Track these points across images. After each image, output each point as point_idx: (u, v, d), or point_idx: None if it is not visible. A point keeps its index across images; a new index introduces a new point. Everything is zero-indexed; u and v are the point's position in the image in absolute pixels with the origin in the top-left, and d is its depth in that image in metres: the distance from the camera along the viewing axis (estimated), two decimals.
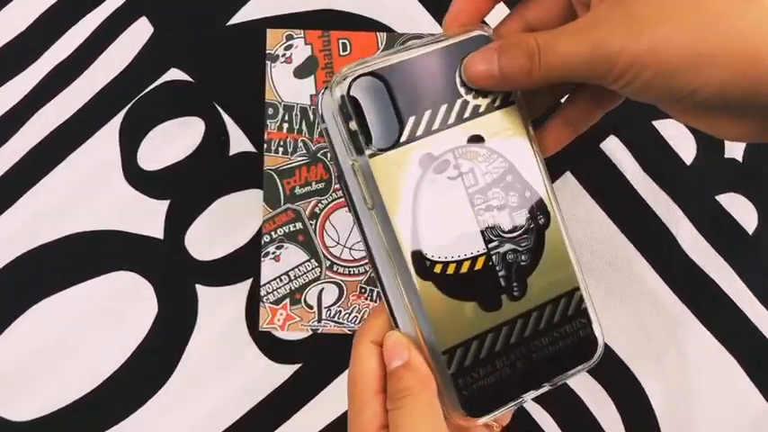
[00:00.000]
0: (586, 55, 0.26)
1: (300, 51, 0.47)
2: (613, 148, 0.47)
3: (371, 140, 0.28)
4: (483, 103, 0.30)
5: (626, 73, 0.26)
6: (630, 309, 0.47)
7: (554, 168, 0.47)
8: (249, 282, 0.47)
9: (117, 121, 0.47)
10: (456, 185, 0.30)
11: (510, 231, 0.30)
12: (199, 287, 0.47)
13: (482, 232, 0.30)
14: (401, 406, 0.28)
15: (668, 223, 0.47)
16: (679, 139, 0.47)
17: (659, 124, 0.47)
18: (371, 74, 0.29)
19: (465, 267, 0.30)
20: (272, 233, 0.47)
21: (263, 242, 0.47)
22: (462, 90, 0.30)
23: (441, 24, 0.33)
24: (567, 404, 0.46)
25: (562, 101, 0.35)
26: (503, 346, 0.30)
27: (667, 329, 0.46)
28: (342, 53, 0.47)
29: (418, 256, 0.29)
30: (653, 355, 0.46)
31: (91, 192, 0.47)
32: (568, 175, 0.47)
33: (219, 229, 0.47)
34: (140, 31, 0.48)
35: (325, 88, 0.29)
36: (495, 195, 0.30)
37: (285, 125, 0.47)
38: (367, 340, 0.30)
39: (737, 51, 0.25)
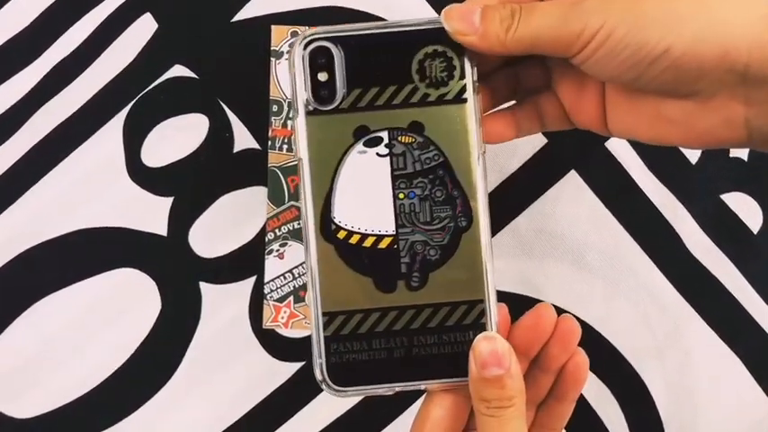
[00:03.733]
0: (560, 15, 0.27)
1: None
2: (618, 146, 0.47)
3: (312, 99, 0.30)
4: (434, 93, 0.30)
5: (599, 32, 0.27)
6: (634, 307, 0.46)
7: (559, 166, 0.47)
8: (253, 279, 0.47)
9: (121, 117, 0.47)
10: (382, 163, 0.30)
11: (426, 223, 0.30)
12: (202, 284, 0.47)
13: (396, 215, 0.30)
14: (501, 415, 0.29)
15: (673, 222, 0.47)
16: None
17: None
18: (330, 39, 0.30)
19: (369, 242, 0.30)
20: (277, 230, 0.47)
21: (266, 239, 0.47)
22: (416, 77, 0.30)
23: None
24: None
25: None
26: (386, 329, 0.30)
27: (671, 328, 0.46)
28: None
29: (325, 218, 0.30)
30: (657, 354, 0.46)
31: (94, 188, 0.47)
32: (573, 173, 0.47)
33: (223, 226, 0.47)
34: (144, 28, 0.48)
35: (292, 43, 0.30)
36: (421, 185, 0.30)
37: (290, 122, 0.47)
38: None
39: (704, 10, 0.26)
